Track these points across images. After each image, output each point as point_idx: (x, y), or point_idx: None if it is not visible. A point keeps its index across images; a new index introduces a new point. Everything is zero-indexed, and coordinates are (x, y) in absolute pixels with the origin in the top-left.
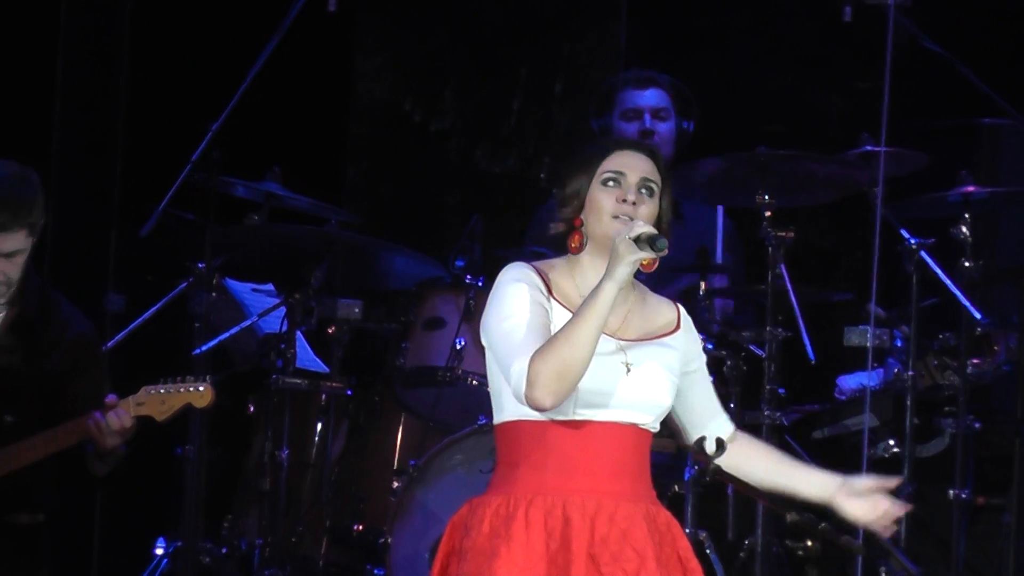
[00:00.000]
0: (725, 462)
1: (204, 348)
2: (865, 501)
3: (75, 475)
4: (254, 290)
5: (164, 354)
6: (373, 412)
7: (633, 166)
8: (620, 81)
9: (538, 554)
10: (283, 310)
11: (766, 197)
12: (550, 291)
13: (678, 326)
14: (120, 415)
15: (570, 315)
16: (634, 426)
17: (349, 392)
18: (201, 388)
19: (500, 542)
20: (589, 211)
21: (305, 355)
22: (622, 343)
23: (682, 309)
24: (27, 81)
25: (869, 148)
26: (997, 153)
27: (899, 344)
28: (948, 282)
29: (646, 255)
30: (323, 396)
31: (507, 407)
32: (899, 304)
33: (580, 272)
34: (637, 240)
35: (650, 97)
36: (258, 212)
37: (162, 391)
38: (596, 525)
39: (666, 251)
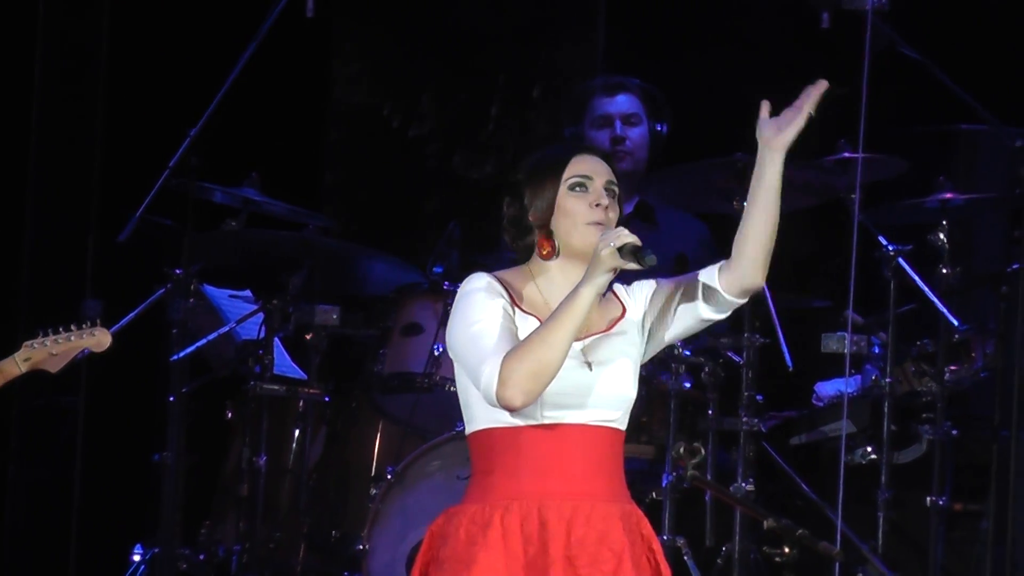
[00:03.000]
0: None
1: (182, 354)
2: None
3: None
4: (232, 296)
5: (141, 360)
6: (351, 418)
7: (597, 170)
8: (590, 88)
9: (516, 560)
10: (261, 316)
11: (744, 203)
12: (513, 299)
13: (624, 309)
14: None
15: (535, 321)
16: (604, 425)
17: (327, 398)
18: (96, 332)
19: (478, 549)
20: (560, 218)
21: (283, 361)
22: (583, 342)
23: (617, 288)
24: (4, 86)
25: (847, 154)
26: (975, 159)
27: (877, 351)
28: (926, 288)
29: (631, 266)
30: (301, 402)
31: (478, 416)
32: (877, 310)
33: (547, 278)
34: (621, 250)
35: (620, 103)
36: (236, 218)
37: (48, 343)
38: (573, 527)
39: (654, 263)
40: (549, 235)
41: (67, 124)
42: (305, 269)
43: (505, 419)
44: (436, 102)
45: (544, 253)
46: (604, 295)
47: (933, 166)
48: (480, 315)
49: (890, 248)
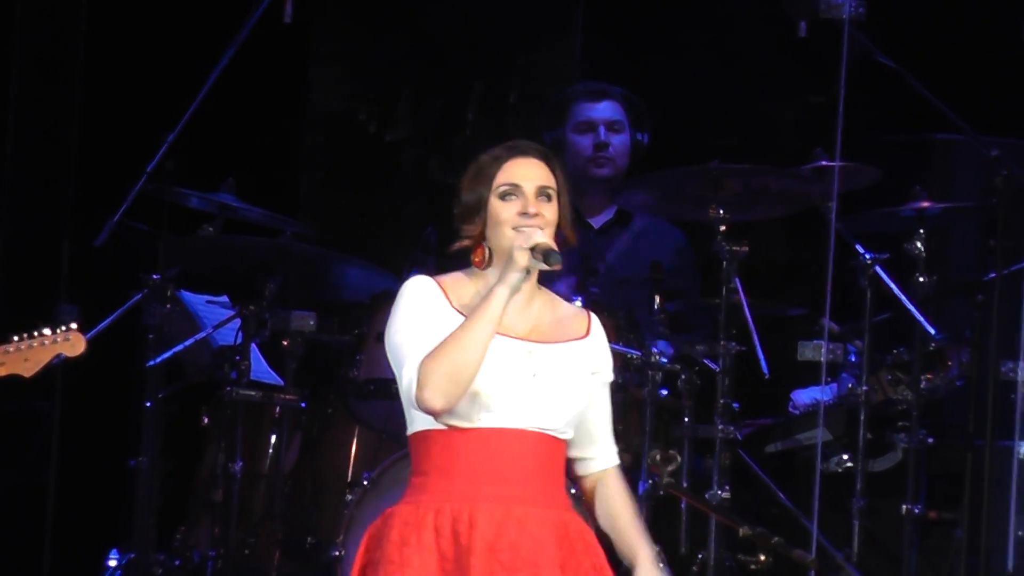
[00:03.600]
0: (584, 488)
1: (158, 360)
2: None
3: None
4: (208, 302)
5: (117, 366)
6: (327, 424)
7: (528, 175)
8: (573, 94)
9: (448, 560)
10: (237, 322)
11: (720, 211)
12: (449, 301)
13: (588, 332)
14: None
15: None
16: (543, 432)
17: (303, 404)
18: (70, 336)
19: (411, 551)
20: (491, 225)
21: (259, 367)
22: (530, 347)
23: (594, 318)
24: None
25: (823, 162)
26: (950, 168)
27: (853, 359)
28: (902, 297)
29: (542, 267)
30: (277, 408)
31: (416, 418)
32: (853, 319)
33: (485, 284)
34: (533, 250)
35: (604, 110)
36: (212, 223)
37: (23, 347)
38: (503, 531)
39: (559, 266)
40: (483, 242)
41: (43, 128)
42: (281, 275)
43: (443, 421)
44: (413, 107)
45: (476, 261)
46: (569, 309)
47: (909, 175)
48: (407, 320)
49: (867, 256)
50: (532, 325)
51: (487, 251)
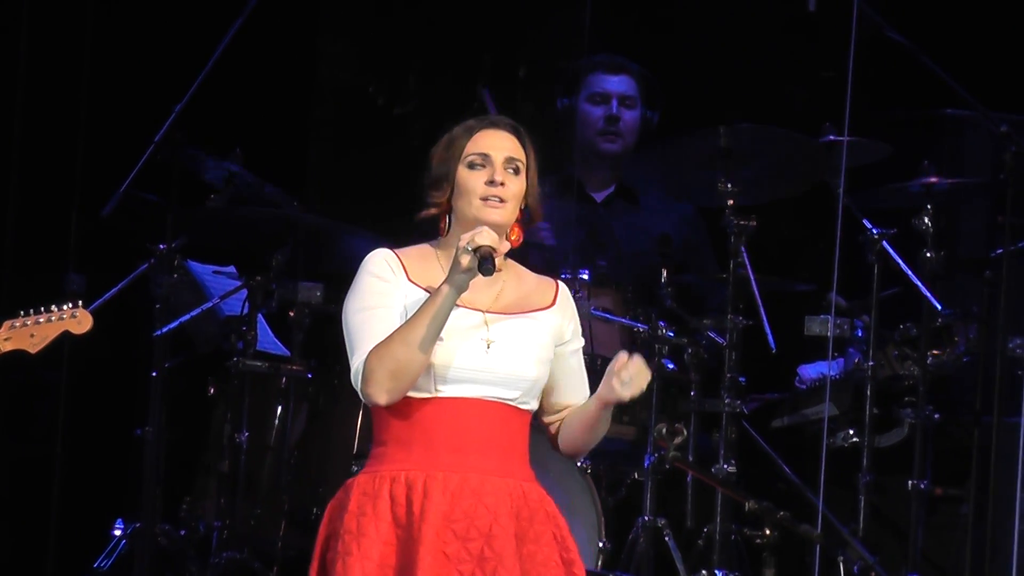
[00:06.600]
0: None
1: (165, 330)
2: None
3: None
4: (215, 272)
5: (124, 336)
6: (333, 396)
7: (497, 146)
8: (590, 64)
9: (402, 528)
10: (244, 292)
11: (728, 186)
12: (408, 275)
13: (554, 301)
14: None
15: (426, 295)
16: (500, 402)
17: (309, 375)
18: (77, 313)
19: (367, 520)
20: (458, 194)
21: (266, 338)
22: (487, 317)
23: (563, 287)
24: None
25: (832, 137)
26: (960, 144)
27: (860, 334)
28: (909, 272)
29: (477, 273)
30: (283, 379)
31: None
32: (860, 294)
33: (447, 256)
34: (476, 251)
35: (619, 83)
36: (220, 194)
37: (29, 323)
38: (458, 500)
39: (490, 275)
40: (447, 211)
41: (52, 97)
42: (289, 246)
43: None
44: (422, 81)
45: (440, 227)
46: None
47: (918, 150)
48: (363, 302)
49: (874, 232)
50: (494, 298)
51: (448, 221)
